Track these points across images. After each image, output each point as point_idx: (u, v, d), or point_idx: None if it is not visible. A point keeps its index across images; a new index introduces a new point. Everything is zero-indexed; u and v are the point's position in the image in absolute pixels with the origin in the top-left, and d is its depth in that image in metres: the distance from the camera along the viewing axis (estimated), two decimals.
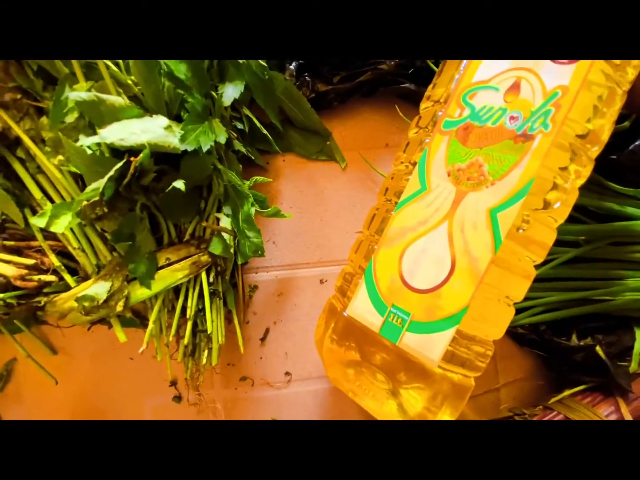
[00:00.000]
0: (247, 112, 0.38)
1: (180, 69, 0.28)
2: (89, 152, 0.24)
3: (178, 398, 0.44)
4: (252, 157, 0.40)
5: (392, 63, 0.41)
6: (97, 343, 0.46)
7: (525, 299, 0.42)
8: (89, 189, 0.25)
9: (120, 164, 0.25)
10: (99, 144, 0.25)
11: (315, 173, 0.47)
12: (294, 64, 0.42)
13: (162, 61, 0.27)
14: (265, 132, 0.40)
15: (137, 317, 0.39)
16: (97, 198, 0.24)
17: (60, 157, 0.25)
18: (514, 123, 0.26)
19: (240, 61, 0.32)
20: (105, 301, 0.27)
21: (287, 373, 0.45)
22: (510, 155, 0.26)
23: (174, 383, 0.45)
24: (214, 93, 0.31)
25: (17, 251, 0.28)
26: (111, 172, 0.25)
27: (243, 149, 0.36)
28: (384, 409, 0.29)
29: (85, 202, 0.24)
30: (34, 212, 0.29)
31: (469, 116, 0.28)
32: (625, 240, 0.40)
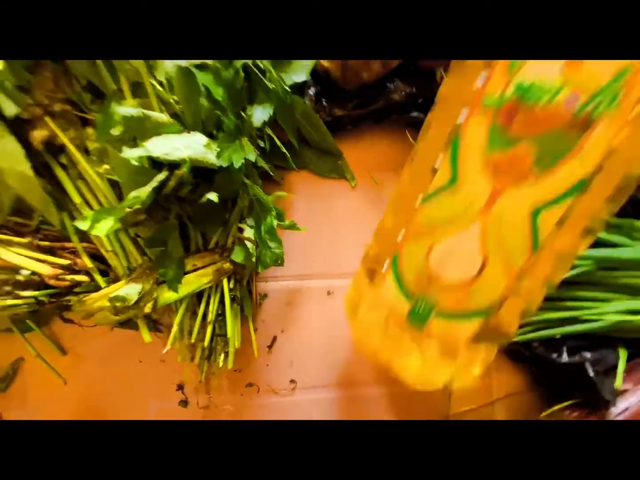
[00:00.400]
0: (269, 131, 0.41)
1: (218, 91, 0.31)
2: (135, 163, 0.27)
3: (184, 402, 0.45)
4: (271, 173, 0.43)
5: (403, 93, 0.45)
6: (106, 345, 0.46)
7: None
8: (130, 196, 0.27)
9: (162, 176, 0.27)
10: (141, 156, 0.27)
11: (326, 190, 0.50)
12: (312, 89, 0.45)
13: (201, 82, 0.30)
14: (284, 150, 0.42)
15: (150, 322, 0.40)
16: (138, 206, 0.26)
17: (105, 166, 0.27)
18: (571, 105, 0.21)
19: (270, 86, 0.35)
20: (136, 302, 0.29)
21: (292, 381, 0.46)
22: (564, 143, 0.21)
23: (181, 387, 0.45)
24: (243, 114, 0.34)
25: (50, 251, 0.30)
26: (154, 183, 0.27)
27: (265, 166, 0.38)
28: (410, 363, 0.29)
29: (127, 209, 0.26)
30: (71, 216, 0.30)
31: (514, 93, 0.23)
32: (611, 266, 0.44)
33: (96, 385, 0.45)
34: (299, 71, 0.40)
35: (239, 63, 0.33)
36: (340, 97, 0.45)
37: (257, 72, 0.34)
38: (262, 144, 0.41)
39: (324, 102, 0.45)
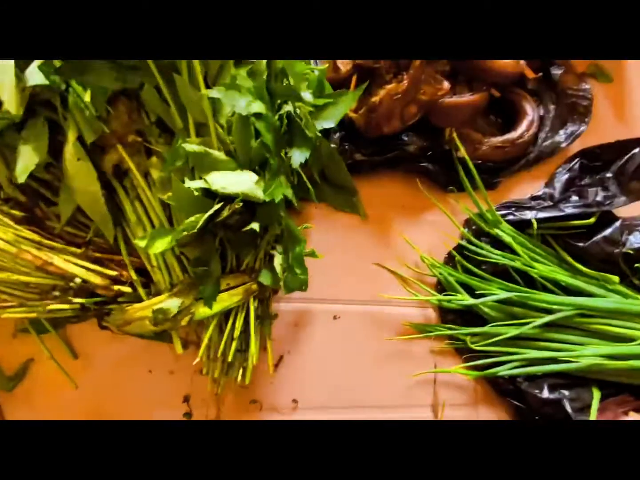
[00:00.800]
0: (298, 168, 0.46)
1: (268, 136, 0.35)
2: (195, 193, 0.30)
3: (189, 414, 0.46)
4: (295, 205, 0.47)
5: (416, 146, 0.51)
6: (118, 352, 0.48)
7: (507, 353, 0.50)
8: (187, 221, 0.30)
9: (217, 206, 0.31)
10: (201, 188, 0.31)
11: (340, 222, 0.54)
12: (337, 134, 0.50)
13: (253, 127, 0.35)
14: (309, 186, 0.47)
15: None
16: (194, 230, 0.30)
17: (169, 193, 0.31)
18: None
19: (309, 134, 0.40)
20: (174, 316, 0.32)
21: (294, 400, 0.49)
22: None
23: (186, 399, 0.47)
24: (283, 155, 0.39)
25: (98, 262, 0.33)
26: (210, 212, 0.30)
27: (294, 199, 0.43)
28: None
29: (184, 233, 0.30)
30: (122, 232, 0.33)
31: None
32: (588, 313, 0.49)
33: (104, 390, 0.46)
34: (330, 118, 0.45)
35: (284, 111, 0.38)
36: (361, 144, 0.51)
37: (298, 120, 0.39)
38: (290, 179, 0.45)
39: (346, 147, 0.51)
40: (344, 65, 0.48)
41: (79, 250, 0.32)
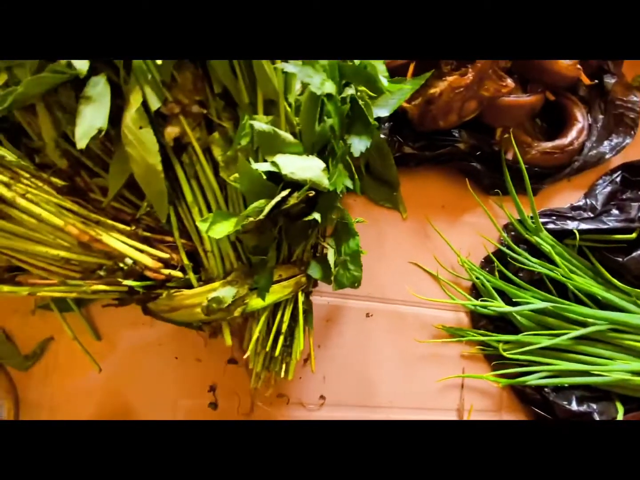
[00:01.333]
0: (347, 158, 0.43)
1: (335, 120, 0.33)
2: (263, 176, 0.28)
3: (214, 405, 0.45)
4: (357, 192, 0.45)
5: (466, 144, 0.49)
6: (143, 336, 0.45)
7: (537, 363, 0.49)
8: (251, 207, 0.28)
9: (285, 193, 0.29)
10: (268, 170, 0.29)
11: (379, 217, 0.52)
12: (387, 124, 0.48)
13: (324, 110, 0.32)
14: (357, 177, 0.45)
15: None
16: (261, 217, 0.28)
17: (236, 174, 0.28)
18: None
19: (371, 121, 0.37)
20: (228, 306, 0.30)
21: (321, 396, 0.47)
22: None
23: (212, 389, 0.45)
24: (342, 142, 0.36)
25: (147, 242, 0.30)
26: (277, 199, 0.28)
27: (357, 189, 0.40)
28: None
29: (249, 219, 0.27)
30: (176, 212, 0.31)
31: None
32: (621, 329, 0.49)
33: (126, 375, 0.44)
34: (384, 107, 0.42)
35: (347, 94, 0.35)
36: (410, 136, 0.48)
37: (361, 105, 0.36)
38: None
39: (395, 138, 0.48)
40: None
41: (128, 228, 0.29)
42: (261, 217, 0.28)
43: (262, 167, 0.28)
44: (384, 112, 0.43)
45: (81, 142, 0.24)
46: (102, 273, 0.28)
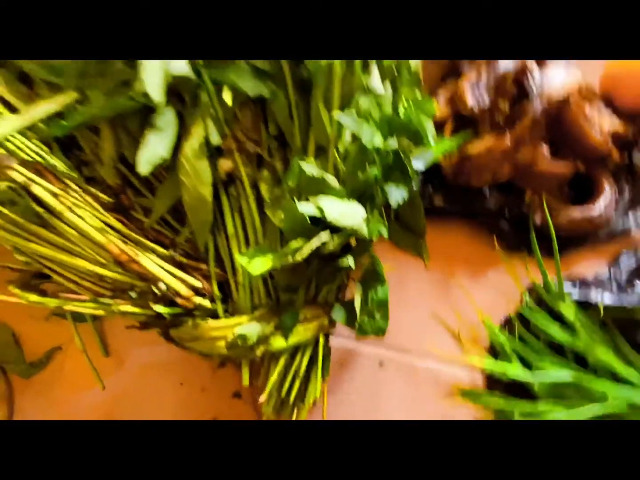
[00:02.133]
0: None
1: (379, 171, 0.34)
2: (306, 217, 0.28)
3: None
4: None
5: (497, 204, 0.50)
6: (151, 357, 0.44)
7: None
8: (291, 246, 0.28)
9: (325, 236, 0.29)
10: (313, 214, 0.29)
11: (401, 262, 0.52)
12: (420, 175, 0.49)
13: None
14: (385, 223, 0.45)
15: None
16: (301, 258, 0.28)
17: (279, 212, 0.29)
18: None
19: (411, 173, 0.38)
20: (251, 344, 0.29)
21: None
22: None
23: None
24: (379, 190, 0.37)
25: (182, 268, 0.30)
26: (317, 242, 0.28)
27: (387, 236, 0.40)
28: None
29: (289, 257, 0.27)
30: (215, 241, 0.31)
31: None
32: (636, 408, 0.47)
33: (129, 396, 0.42)
34: (422, 159, 0.43)
35: (390, 147, 0.37)
36: (441, 189, 0.50)
37: (403, 156, 0.37)
38: None
39: (427, 189, 0.49)
40: (442, 109, 0.48)
41: (165, 252, 0.29)
42: (301, 258, 0.28)
43: (308, 210, 0.28)
44: (420, 165, 0.44)
45: (144, 168, 0.25)
46: (133, 294, 0.28)
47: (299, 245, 0.28)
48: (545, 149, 0.46)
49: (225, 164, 0.29)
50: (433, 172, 0.52)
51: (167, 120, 0.26)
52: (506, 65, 0.45)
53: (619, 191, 0.58)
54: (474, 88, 0.45)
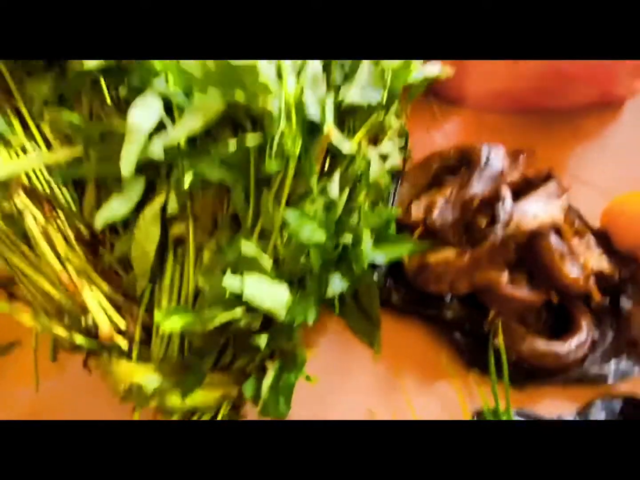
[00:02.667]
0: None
1: (316, 264, 0.37)
2: (227, 291, 0.32)
3: None
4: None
5: (455, 314, 0.50)
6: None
7: None
8: (204, 314, 0.31)
9: (239, 313, 0.31)
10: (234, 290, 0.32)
11: (351, 348, 0.52)
12: (383, 267, 0.51)
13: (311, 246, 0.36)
14: (337, 303, 0.47)
15: None
16: (212, 326, 0.30)
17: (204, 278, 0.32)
18: None
19: (356, 268, 0.40)
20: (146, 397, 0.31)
21: None
22: None
23: None
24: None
25: (117, 307, 0.34)
26: (228, 316, 0.31)
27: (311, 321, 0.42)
28: None
29: (200, 324, 0.30)
30: (151, 289, 0.35)
31: None
32: None
33: (54, 406, 0.44)
34: (382, 255, 0.46)
35: (342, 242, 0.40)
36: (401, 285, 0.51)
37: (356, 253, 0.40)
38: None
39: (388, 283, 0.51)
40: (418, 214, 0.50)
41: (106, 290, 0.34)
42: (210, 326, 0.30)
43: (229, 283, 0.32)
44: (380, 260, 0.47)
45: (99, 224, 0.30)
46: (66, 320, 0.32)
47: (211, 315, 0.31)
48: (504, 275, 0.46)
49: (177, 228, 0.34)
50: (398, 267, 0.54)
51: (134, 188, 0.31)
52: (480, 187, 0.48)
53: (601, 334, 0.55)
54: (445, 203, 0.48)
